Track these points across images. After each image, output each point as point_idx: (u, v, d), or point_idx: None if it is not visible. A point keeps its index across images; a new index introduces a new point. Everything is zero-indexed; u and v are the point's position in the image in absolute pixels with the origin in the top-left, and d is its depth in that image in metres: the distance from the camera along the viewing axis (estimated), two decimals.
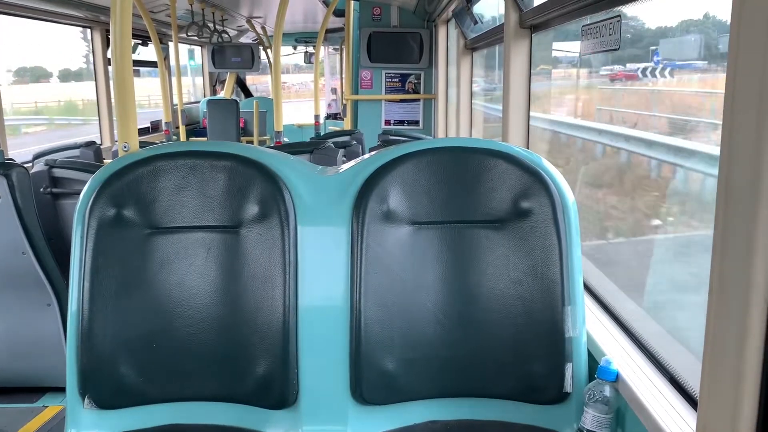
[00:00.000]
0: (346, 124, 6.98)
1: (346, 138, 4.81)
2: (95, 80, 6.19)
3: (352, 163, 1.84)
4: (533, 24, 2.77)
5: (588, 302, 1.89)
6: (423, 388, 1.71)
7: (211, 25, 6.69)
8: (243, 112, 8.35)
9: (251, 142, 8.24)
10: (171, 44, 7.29)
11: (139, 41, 6.76)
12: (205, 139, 7.98)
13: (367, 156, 1.83)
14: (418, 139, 4.87)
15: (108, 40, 6.16)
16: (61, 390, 3.15)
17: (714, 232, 1.06)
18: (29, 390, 3.16)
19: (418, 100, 6.84)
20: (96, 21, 5.85)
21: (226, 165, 1.73)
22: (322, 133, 5.72)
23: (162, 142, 6.47)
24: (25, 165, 3.17)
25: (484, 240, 1.71)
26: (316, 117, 6.08)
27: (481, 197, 1.71)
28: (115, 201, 1.69)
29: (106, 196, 1.69)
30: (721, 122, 1.03)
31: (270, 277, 1.68)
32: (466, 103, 5.27)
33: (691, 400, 1.41)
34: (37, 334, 3.01)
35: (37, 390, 3.17)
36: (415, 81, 6.81)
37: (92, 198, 1.68)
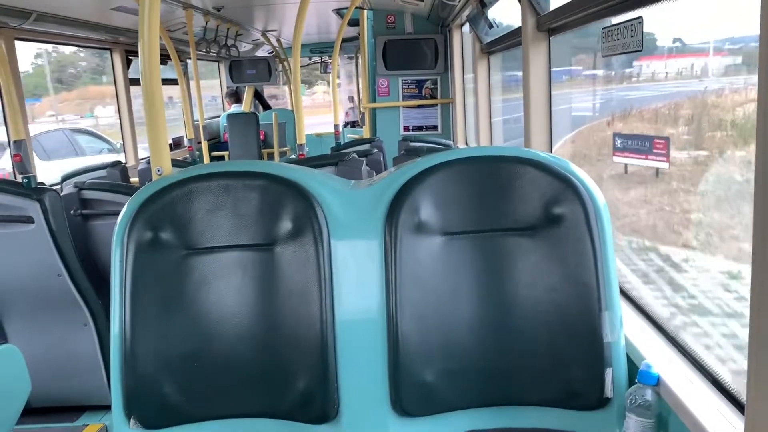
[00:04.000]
0: (366, 132, 7.01)
1: (366, 146, 4.82)
2: (117, 100, 6.28)
3: (382, 175, 1.85)
4: (551, 27, 2.77)
5: (624, 306, 1.88)
6: (463, 398, 1.71)
7: (221, 40, 6.74)
8: (262, 124, 8.41)
9: (272, 154, 8.30)
10: (189, 61, 7.38)
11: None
12: (226, 152, 8.06)
13: (395, 168, 1.84)
14: (440, 144, 4.88)
15: (128, 60, 6.25)
16: (100, 408, 3.22)
17: (753, 226, 1.06)
18: (68, 409, 3.21)
19: (436, 105, 6.85)
20: (115, 42, 5.94)
21: (259, 184, 1.75)
22: (342, 142, 5.74)
23: (185, 158, 6.55)
24: (55, 187, 3.22)
25: (517, 248, 1.71)
26: (336, 127, 6.12)
27: (512, 205, 1.72)
28: (151, 224, 1.72)
29: (143, 219, 1.72)
30: None
31: (306, 292, 1.70)
32: (484, 107, 5.28)
33: (737, 403, 1.40)
34: (75, 354, 3.06)
35: (76, 409, 3.22)
36: (432, 86, 6.82)
37: (129, 222, 1.71)
